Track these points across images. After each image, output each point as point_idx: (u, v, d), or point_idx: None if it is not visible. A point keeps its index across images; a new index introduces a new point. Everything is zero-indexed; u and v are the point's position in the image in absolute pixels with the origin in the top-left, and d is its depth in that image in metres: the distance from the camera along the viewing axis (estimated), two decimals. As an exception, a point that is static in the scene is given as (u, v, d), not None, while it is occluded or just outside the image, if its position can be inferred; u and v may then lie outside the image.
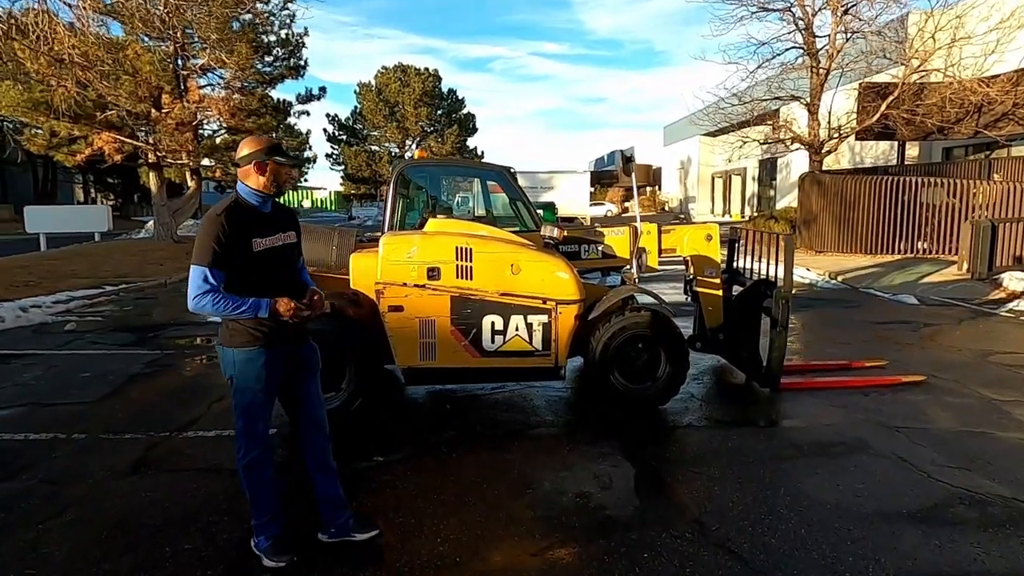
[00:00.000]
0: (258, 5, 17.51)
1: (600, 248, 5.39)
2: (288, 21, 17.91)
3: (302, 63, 18.60)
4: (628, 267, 5.13)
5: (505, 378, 5.11)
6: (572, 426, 4.67)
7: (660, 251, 5.46)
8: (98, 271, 14.10)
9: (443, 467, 3.95)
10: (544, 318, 4.70)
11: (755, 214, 29.34)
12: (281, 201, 3.01)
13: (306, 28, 22.06)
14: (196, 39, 16.72)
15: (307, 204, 76.22)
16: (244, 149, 2.77)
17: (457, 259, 4.59)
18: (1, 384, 5.81)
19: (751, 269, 5.82)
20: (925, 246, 14.31)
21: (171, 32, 15.95)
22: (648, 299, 5.07)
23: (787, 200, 29.16)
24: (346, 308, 4.74)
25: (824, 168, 18.16)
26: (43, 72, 14.13)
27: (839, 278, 12.09)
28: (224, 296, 2.63)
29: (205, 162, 18.92)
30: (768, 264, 5.50)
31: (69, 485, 3.74)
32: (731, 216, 37.21)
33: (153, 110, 16.72)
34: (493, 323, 4.69)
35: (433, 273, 4.60)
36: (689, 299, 5.75)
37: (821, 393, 5.28)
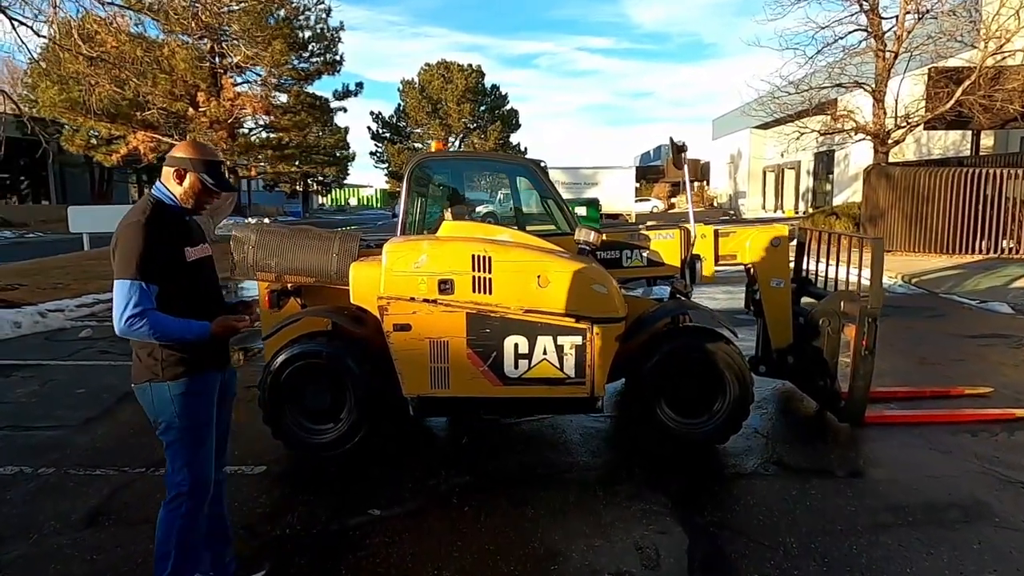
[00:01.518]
0: (293, 1, 17.17)
1: (645, 254, 4.58)
2: (323, 16, 17.49)
3: (338, 58, 18.19)
4: (678, 277, 4.32)
5: (531, 411, 4.35)
6: (610, 471, 3.88)
7: (717, 258, 4.62)
8: (133, 272, 13.91)
9: (452, 527, 3.23)
10: (577, 339, 3.93)
11: (810, 210, 27.81)
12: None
13: (341, 23, 21.74)
14: (231, 36, 16.44)
15: (353, 202, 76.91)
16: (177, 151, 2.41)
17: (473, 269, 3.86)
18: (-12, 402, 5.36)
19: (822, 276, 4.93)
20: (1010, 245, 12.93)
21: (207, 29, 15.71)
22: (704, 316, 4.25)
23: (845, 195, 27.55)
24: (346, 326, 4.07)
25: (891, 160, 16.80)
26: (82, 72, 14.01)
27: (913, 281, 10.92)
28: (161, 317, 2.24)
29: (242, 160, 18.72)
30: (843, 271, 4.61)
31: (6, 542, 3.15)
32: (784, 212, 35.56)
33: (190, 108, 16.54)
34: (516, 345, 3.94)
35: (445, 286, 3.88)
36: (751, 313, 4.88)
37: (915, 430, 4.36)
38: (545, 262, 3.91)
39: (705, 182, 49.00)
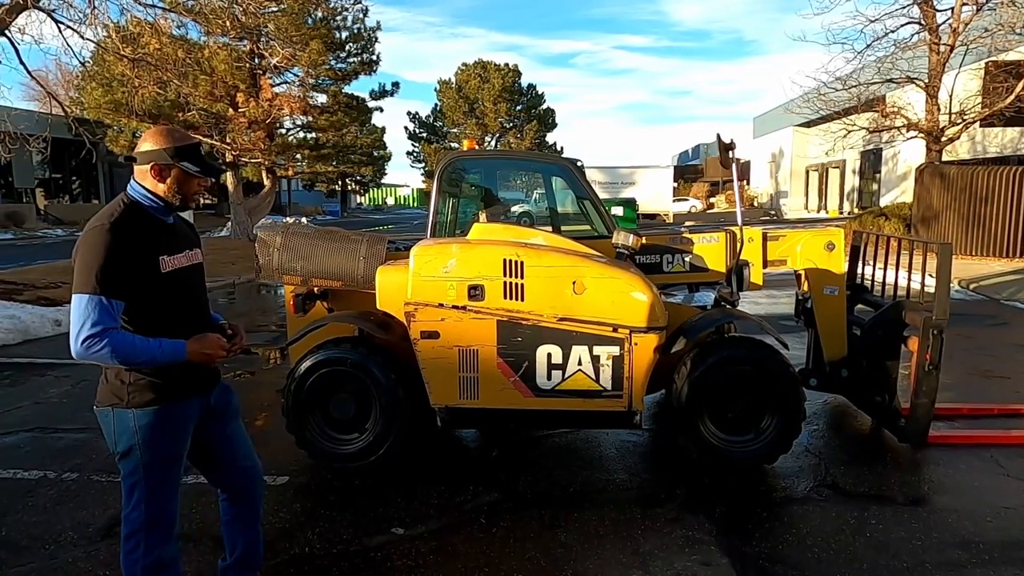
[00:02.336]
0: (330, 1, 17.22)
1: (687, 259, 4.31)
2: (360, 16, 17.51)
3: (374, 58, 18.17)
4: (724, 284, 4.04)
5: (565, 424, 4.12)
6: (649, 491, 3.63)
7: (766, 262, 4.32)
8: (172, 270, 14.10)
9: (479, 550, 3.02)
10: (614, 350, 3.69)
11: (856, 210, 26.91)
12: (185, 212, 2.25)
13: (378, 23, 21.64)
14: (270, 37, 16.57)
15: (391, 201, 77.61)
16: (145, 143, 2.08)
17: (505, 274, 3.66)
18: (21, 402, 5.37)
19: (878, 283, 4.59)
20: (1076, 248, 12.19)
21: (247, 31, 15.85)
22: (751, 325, 3.96)
23: (893, 195, 26.57)
24: (372, 332, 3.90)
25: (945, 159, 16.05)
26: (126, 74, 14.25)
27: (972, 287, 10.34)
28: (126, 338, 1.94)
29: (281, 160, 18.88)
30: (900, 278, 4.27)
31: (22, 552, 3.06)
32: (827, 212, 34.53)
33: (230, 109, 16.72)
34: (550, 355, 3.72)
35: (475, 292, 3.68)
36: (801, 322, 4.57)
37: (985, 452, 4.00)
38: (581, 267, 3.68)
39: (746, 181, 47.98)
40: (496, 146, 48.20)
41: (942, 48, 15.27)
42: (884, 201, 25.53)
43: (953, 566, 2.82)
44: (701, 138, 58.16)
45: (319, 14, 16.18)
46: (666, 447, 4.27)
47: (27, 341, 7.66)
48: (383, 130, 26.35)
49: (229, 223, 21.84)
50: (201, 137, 16.72)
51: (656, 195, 35.99)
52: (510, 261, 3.64)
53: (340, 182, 45.22)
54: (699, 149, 60.50)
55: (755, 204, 44.64)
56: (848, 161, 32.57)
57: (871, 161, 30.99)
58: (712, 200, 48.62)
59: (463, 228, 4.83)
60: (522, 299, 3.68)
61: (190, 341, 2.04)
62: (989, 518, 3.21)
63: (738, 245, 4.00)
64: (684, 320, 3.96)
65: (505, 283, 3.66)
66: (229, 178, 17.92)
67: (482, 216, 5.17)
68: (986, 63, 16.22)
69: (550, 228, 5.16)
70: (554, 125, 49.66)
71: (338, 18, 17.13)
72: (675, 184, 47.85)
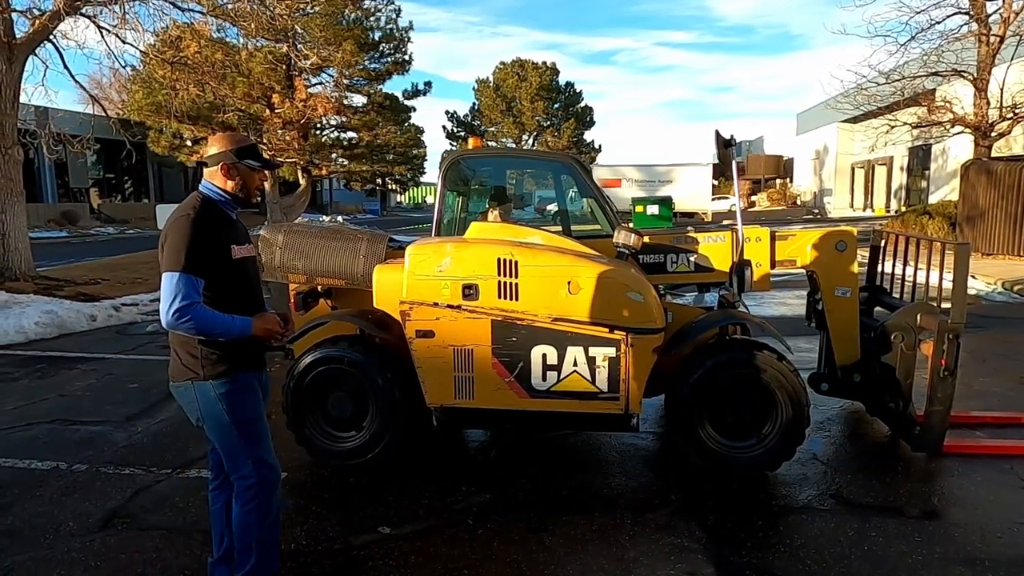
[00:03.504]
0: (365, 2, 17.42)
1: (692, 259, 4.20)
2: (393, 16, 17.66)
3: (407, 58, 18.32)
4: (727, 285, 3.92)
5: (560, 426, 4.07)
6: (644, 496, 3.55)
7: (774, 263, 4.18)
8: (209, 268, 14.46)
9: (461, 552, 3.00)
10: (611, 351, 3.62)
11: (903, 208, 25.99)
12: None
13: (411, 22, 21.74)
14: (304, 39, 16.85)
15: (430, 199, 78.24)
16: (212, 147, 2.43)
17: (499, 274, 3.62)
18: (47, 395, 5.57)
19: (903, 285, 4.40)
20: None
21: (282, 33, 16.15)
22: (753, 328, 3.85)
23: (942, 193, 25.59)
24: (370, 331, 3.92)
25: (993, 155, 15.36)
26: (168, 77, 14.68)
27: (1016, 288, 9.86)
28: (208, 311, 2.24)
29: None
30: (924, 278, 4.09)
31: (23, 540, 3.16)
32: (873, 211, 33.47)
33: (266, 110, 17.07)
34: (545, 355, 3.67)
35: (469, 291, 3.66)
36: (812, 325, 4.42)
37: (1006, 463, 3.79)
38: (576, 267, 3.62)
39: (788, 179, 46.82)
40: (534, 145, 48.14)
41: (992, 39, 14.62)
42: (933, 199, 24.62)
43: (952, 583, 2.68)
44: (743, 135, 56.99)
45: (352, 15, 16.37)
46: (668, 451, 4.18)
47: (63, 335, 7.95)
48: (419, 129, 26.47)
49: (266, 221, 22.35)
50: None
51: (694, 193, 35.42)
52: (504, 260, 3.60)
53: (380, 181, 45.86)
54: (740, 146, 59.30)
55: (798, 203, 43.52)
56: (896, 158, 31.50)
57: (920, 158, 29.91)
58: (753, 198, 47.60)
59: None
60: (516, 299, 3.64)
61: (255, 318, 2.33)
62: (999, 533, 3.04)
63: (739, 245, 3.87)
64: (688, 319, 3.87)
65: (499, 282, 3.63)
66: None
67: (491, 214, 5.16)
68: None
69: (559, 227, 5.12)
70: (592, 123, 49.34)
71: (371, 19, 17.32)
72: (715, 182, 47.02)
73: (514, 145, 46.38)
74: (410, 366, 3.84)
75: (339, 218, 35.58)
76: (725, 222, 28.91)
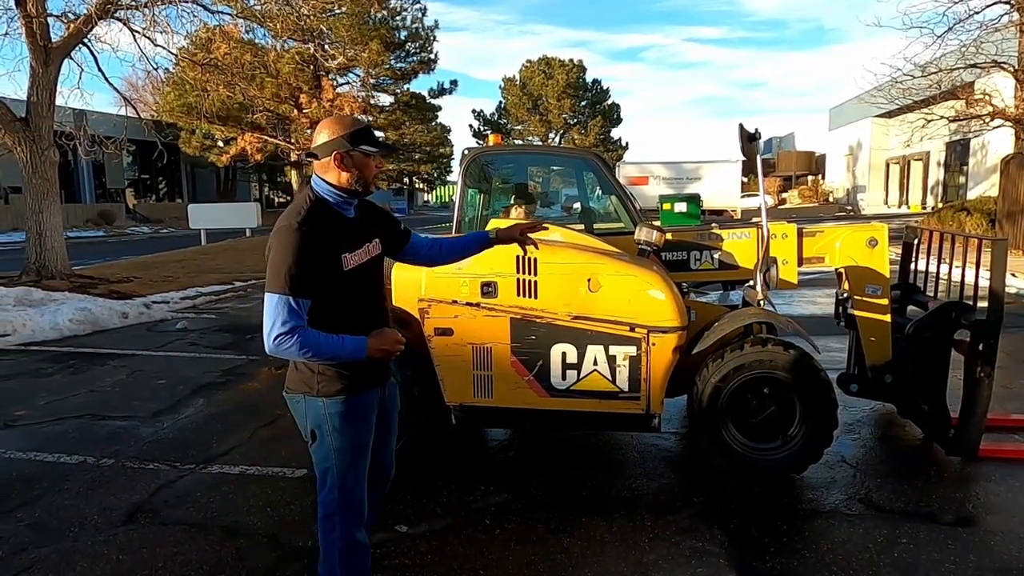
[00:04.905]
0: (391, 2, 17.51)
1: (716, 256, 4.12)
2: (419, 15, 17.73)
3: (432, 57, 18.38)
4: (752, 282, 3.83)
5: (580, 425, 4.02)
6: (665, 498, 3.49)
7: (801, 260, 4.07)
8: (239, 266, 14.68)
9: (478, 552, 2.97)
10: (631, 350, 3.56)
11: (939, 205, 25.31)
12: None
13: (436, 21, 21.79)
14: (331, 40, 17.00)
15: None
16: (321, 135, 2.10)
17: (518, 271, 3.59)
18: (78, 390, 5.69)
19: (937, 283, 4.25)
20: None
21: (311, 34, 16.33)
22: (779, 326, 3.75)
23: (982, 188, 24.84)
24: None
25: (1034, 149, 14.86)
26: (199, 79, 14.93)
27: (1059, 287, 9.50)
28: (312, 336, 1.99)
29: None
30: (961, 276, 3.94)
31: (49, 533, 3.22)
32: (909, 207, 32.66)
33: (294, 110, 17.28)
34: (564, 354, 3.63)
35: (488, 289, 3.63)
36: (843, 325, 4.29)
37: (1045, 469, 3.65)
38: (596, 264, 3.57)
39: (820, 176, 45.93)
40: (560, 142, 47.97)
41: (1034, 29, 14.13)
42: (972, 195, 23.92)
43: (987, 594, 2.57)
44: (773, 131, 56.04)
45: (378, 15, 16.47)
46: (691, 453, 4.10)
47: (96, 332, 8.12)
48: (445, 128, 26.55)
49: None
50: (267, 137, 17.37)
51: (723, 191, 34.96)
52: (523, 258, 3.56)
53: (407, 180, 46.12)
54: (771, 143, 58.35)
55: (830, 199, 42.68)
56: (932, 153, 30.69)
57: (958, 152, 29.09)
58: (784, 195, 46.79)
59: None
60: (535, 297, 3.60)
61: (370, 337, 2.06)
62: (1038, 542, 2.92)
63: (763, 242, 3.77)
64: (712, 318, 3.79)
65: (518, 280, 3.59)
66: (293, 176, 18.52)
67: (514, 211, 5.13)
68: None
69: (582, 224, 5.07)
70: (619, 120, 49.00)
71: (397, 18, 17.40)
72: (744, 179, 46.30)
73: (541, 143, 46.28)
74: (429, 364, 3.82)
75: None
76: (754, 219, 28.48)
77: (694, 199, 27.04)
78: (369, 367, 2.14)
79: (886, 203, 36.09)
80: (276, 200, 48.90)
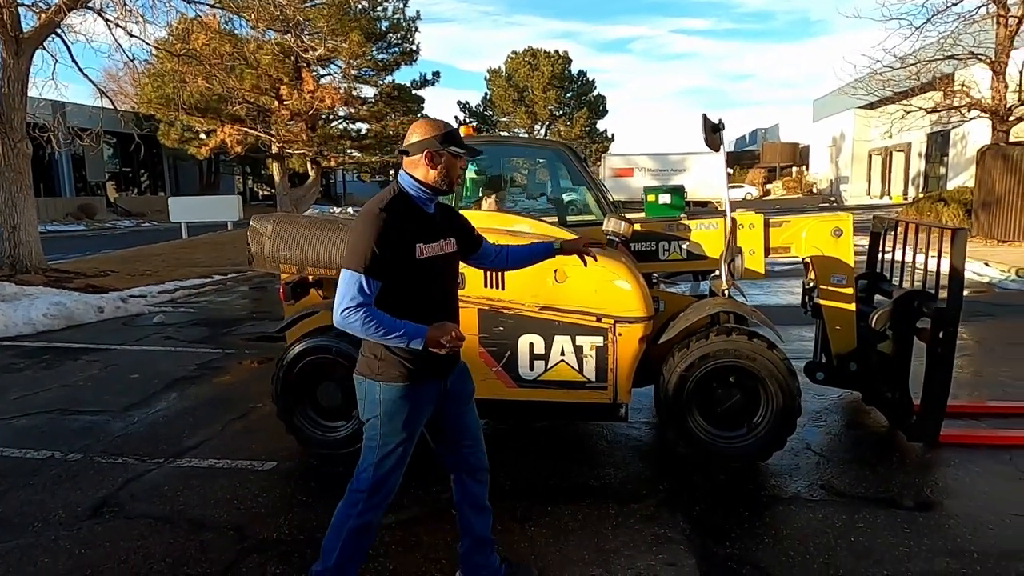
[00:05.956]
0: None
1: (685, 246, 4.14)
2: (400, 5, 17.59)
3: (414, 47, 18.25)
4: (717, 272, 3.86)
5: (549, 415, 4.04)
6: (631, 486, 3.52)
7: (768, 250, 4.11)
8: (220, 259, 14.56)
9: (443, 541, 2.99)
10: (598, 340, 3.59)
11: (920, 195, 25.56)
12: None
13: (418, 12, 21.66)
14: (312, 30, 16.84)
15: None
16: (414, 135, 2.26)
17: (485, 263, 3.58)
18: (50, 384, 5.63)
19: (902, 272, 4.30)
20: None
21: (290, 25, 16.16)
22: (743, 315, 3.78)
23: (961, 179, 25.12)
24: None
25: (1012, 140, 15.03)
26: (177, 70, 14.74)
27: (1030, 276, 9.65)
28: (376, 314, 2.11)
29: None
30: (924, 264, 3.99)
31: (12, 528, 3.19)
32: (891, 198, 32.97)
33: (275, 102, 17.11)
34: (532, 345, 3.65)
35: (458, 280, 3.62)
36: (809, 314, 4.34)
37: (1004, 454, 3.71)
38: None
39: (804, 167, 46.22)
40: (546, 134, 47.90)
41: (1011, 20, 14.27)
42: (952, 185, 24.17)
43: (938, 576, 2.62)
44: (759, 123, 56.34)
45: (359, 5, 16.33)
46: (659, 441, 4.14)
47: (71, 327, 8.03)
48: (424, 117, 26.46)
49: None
50: (247, 129, 17.19)
51: (708, 182, 35.10)
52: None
53: (393, 171, 45.92)
54: (756, 134, 58.63)
55: (814, 191, 42.98)
56: (913, 144, 30.98)
57: (938, 144, 29.38)
58: (769, 187, 47.07)
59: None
60: (503, 288, 3.61)
61: (431, 327, 2.13)
62: (991, 525, 2.97)
63: (729, 232, 3.80)
64: (681, 307, 3.82)
65: (485, 271, 3.60)
66: (275, 169, 18.37)
67: (485, 203, 5.12)
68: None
69: (556, 215, 5.07)
70: (605, 112, 48.98)
71: (378, 8, 17.26)
72: (730, 170, 46.35)
73: (527, 135, 46.18)
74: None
75: (349, 210, 35.67)
76: (738, 210, 28.58)
77: (678, 190, 27.13)
78: (430, 359, 2.23)
79: (868, 194, 36.41)
80: (261, 193, 48.44)
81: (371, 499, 2.31)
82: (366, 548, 2.40)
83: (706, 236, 4.13)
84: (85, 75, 11.71)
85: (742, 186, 45.82)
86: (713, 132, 3.52)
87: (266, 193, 44.55)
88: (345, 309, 2.09)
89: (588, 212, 4.73)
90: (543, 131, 47.71)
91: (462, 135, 4.92)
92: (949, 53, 15.08)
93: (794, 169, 47.26)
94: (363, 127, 19.58)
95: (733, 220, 3.99)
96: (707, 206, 33.51)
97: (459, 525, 2.58)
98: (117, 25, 11.20)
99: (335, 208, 36.52)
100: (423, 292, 2.24)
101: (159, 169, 41.62)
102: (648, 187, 28.63)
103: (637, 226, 4.10)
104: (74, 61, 11.37)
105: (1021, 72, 14.43)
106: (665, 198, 27.23)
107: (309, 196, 19.55)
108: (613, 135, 49.44)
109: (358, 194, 50.08)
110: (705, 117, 3.52)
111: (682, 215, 4.41)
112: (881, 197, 34.50)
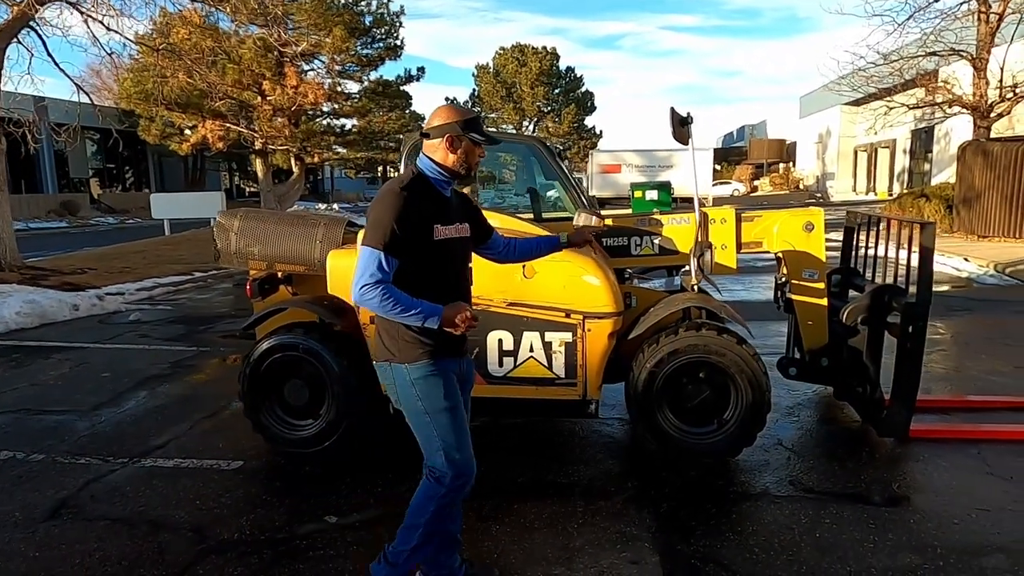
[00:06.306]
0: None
1: (656, 241, 4.11)
2: (384, 0, 17.46)
3: (399, 43, 18.12)
4: (687, 268, 3.83)
5: (518, 412, 4.00)
6: (600, 483, 3.49)
7: (740, 245, 4.09)
8: (202, 256, 14.35)
9: (405, 540, 2.94)
10: (567, 336, 3.55)
11: (905, 191, 25.72)
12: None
13: (402, 7, 21.39)
14: (295, 25, 16.68)
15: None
16: (436, 119, 2.29)
17: (453, 258, 3.53)
18: (18, 383, 5.54)
19: (874, 267, 4.30)
20: None
21: (273, 19, 15.98)
22: (714, 311, 3.76)
23: (945, 175, 25.28)
24: (327, 318, 3.85)
25: (993, 136, 15.14)
26: (157, 64, 14.55)
27: (1008, 271, 9.72)
28: (394, 292, 2.14)
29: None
30: (896, 259, 3.98)
31: (-34, 532, 3.12)
32: (876, 194, 33.16)
33: (258, 97, 16.94)
34: (500, 341, 3.61)
35: (423, 276, 3.57)
36: (782, 309, 4.33)
37: (973, 448, 3.71)
38: (531, 250, 3.53)
39: (791, 163, 46.41)
40: (534, 131, 47.86)
41: (992, 16, 14.36)
42: (936, 181, 24.34)
43: (900, 571, 2.60)
44: (746, 119, 56.52)
45: (342, 0, 16.19)
46: (630, 438, 4.11)
47: (43, 325, 7.91)
48: (419, 116, 26.29)
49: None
50: (229, 125, 17.01)
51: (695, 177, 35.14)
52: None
53: (381, 169, 45.70)
54: (743, 131, 58.84)
55: (801, 187, 43.18)
56: (898, 140, 31.16)
57: (923, 140, 29.56)
58: (756, 183, 47.27)
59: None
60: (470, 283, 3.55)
61: (447, 307, 2.15)
62: (956, 520, 2.97)
63: (699, 227, 3.78)
64: (653, 302, 3.79)
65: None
66: (259, 165, 18.21)
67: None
68: (1044, 32, 15.15)
69: (530, 211, 5.03)
70: (593, 108, 48.98)
71: (361, 3, 17.12)
72: (718, 167, 46.53)
73: (514, 131, 46.11)
74: (367, 353, 3.77)
75: (334, 206, 35.50)
76: (656, 210, 28.62)
77: (665, 187, 27.14)
78: (445, 338, 2.24)
79: (854, 190, 36.62)
80: (248, 190, 48.09)
81: (455, 479, 2.27)
82: (454, 528, 2.41)
83: (678, 231, 4.10)
84: (61, 69, 11.44)
85: (729, 182, 45.97)
86: (681, 125, 3.49)
87: (253, 189, 44.18)
88: (364, 286, 2.11)
89: (562, 207, 4.69)
90: (531, 127, 47.65)
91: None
92: (931, 50, 15.15)
93: (781, 165, 47.49)
94: (347, 123, 19.44)
95: (704, 215, 3.97)
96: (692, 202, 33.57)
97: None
98: (92, 18, 11.04)
99: (320, 205, 36.29)
100: (439, 272, 2.27)
101: (144, 166, 41.19)
102: (635, 183, 28.73)
103: (609, 221, 4.07)
104: (50, 55, 11.20)
105: (1002, 68, 14.53)
106: (652, 194, 27.33)
107: (293, 192, 19.40)
108: (601, 131, 49.49)
109: (346, 190, 49.85)
110: (673, 110, 3.48)
111: (655, 211, 4.37)
112: (867, 193, 34.70)
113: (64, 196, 32.75)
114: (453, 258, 2.33)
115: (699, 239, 3.70)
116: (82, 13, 10.98)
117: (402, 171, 4.59)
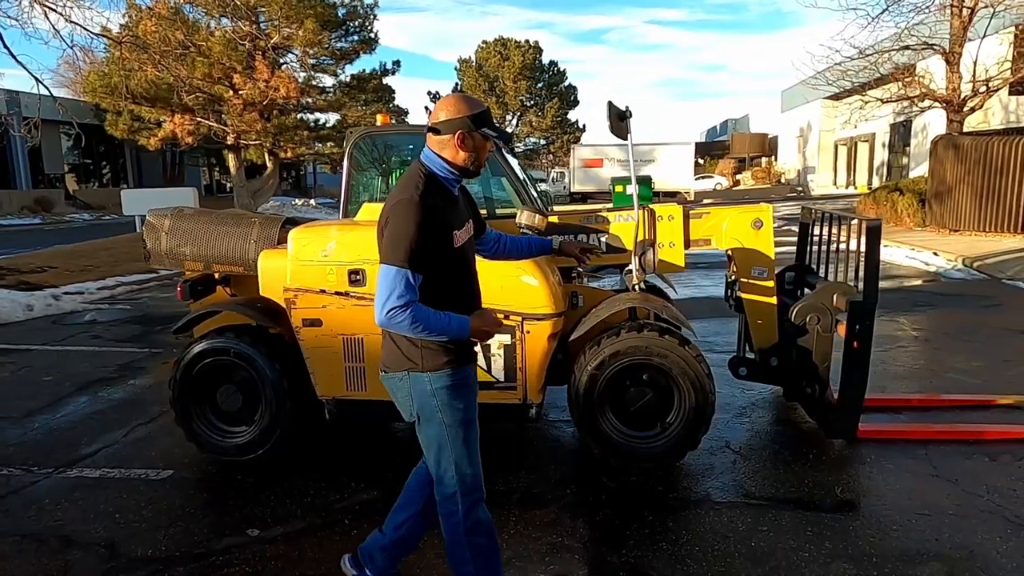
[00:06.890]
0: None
1: (603, 239, 4.00)
2: (358, -8, 17.20)
3: (373, 36, 17.87)
4: (629, 267, 3.72)
5: (457, 417, 3.87)
6: (537, 490, 3.38)
7: (688, 242, 3.98)
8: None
9: (324, 557, 2.81)
10: (506, 338, 3.44)
11: (881, 185, 25.85)
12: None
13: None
14: (267, 18, 16.39)
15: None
16: (443, 112, 2.09)
17: (386, 258, 3.40)
18: (-46, 389, 5.33)
19: (827, 264, 4.22)
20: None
21: (244, 11, 15.70)
22: (657, 311, 3.65)
23: (923, 168, 25.38)
24: (260, 321, 3.70)
25: (967, 130, 15.18)
26: (124, 57, 14.22)
27: (975, 265, 9.73)
28: (423, 311, 1.99)
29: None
30: (847, 257, 3.90)
31: None
32: (856, 188, 33.33)
33: (229, 91, 16.63)
34: (437, 344, 3.47)
35: (356, 277, 3.45)
36: (733, 307, 4.24)
37: (921, 449, 3.64)
38: (467, 250, 3.41)
39: (773, 157, 46.57)
40: (517, 125, 47.68)
41: (965, 11, 14.37)
42: (913, 175, 24.47)
43: (831, 581, 2.52)
44: (730, 113, 56.62)
45: (315, -8, 15.93)
46: (573, 443, 4.01)
47: (-6, 326, 7.68)
48: (402, 111, 26.05)
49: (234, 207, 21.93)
50: (200, 119, 16.70)
51: (676, 172, 35.26)
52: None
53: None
54: (727, 125, 58.98)
55: (782, 181, 43.35)
56: (877, 134, 31.32)
57: (901, 134, 29.72)
58: (739, 177, 47.39)
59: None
60: (405, 284, 3.42)
61: (472, 317, 2.08)
62: (896, 526, 2.88)
63: (639, 225, 3.67)
64: (598, 302, 3.68)
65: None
66: (231, 160, 17.91)
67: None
68: (1016, 27, 15.24)
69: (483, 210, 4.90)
70: (576, 102, 48.84)
71: (334, -6, 16.85)
72: (700, 161, 46.62)
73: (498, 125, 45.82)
74: (300, 357, 3.64)
75: (311, 202, 35.17)
76: (705, 201, 28.77)
77: (645, 181, 27.14)
78: (465, 344, 2.15)
79: (835, 184, 36.81)
80: (228, 185, 47.50)
81: (467, 496, 2.16)
82: (492, 544, 2.26)
83: (625, 228, 3.98)
84: (18, 61, 11.12)
85: (712, 176, 46.08)
86: (620, 120, 3.37)
87: (232, 185, 43.63)
88: (392, 309, 1.94)
89: (510, 204, 4.56)
90: (514, 121, 47.48)
91: (378, 122, 4.76)
92: (904, 44, 15.15)
93: (763, 160, 47.65)
94: (321, 117, 19.18)
95: (651, 211, 3.86)
96: (675, 196, 33.62)
97: (394, 516, 2.43)
98: (51, 9, 10.74)
99: (297, 200, 35.92)
100: (460, 281, 2.16)
101: (121, 161, 40.52)
102: (616, 177, 28.69)
103: (553, 218, 3.94)
104: (6, 47, 10.88)
105: (975, 62, 14.56)
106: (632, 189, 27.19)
107: (267, 188, 19.12)
108: (585, 126, 49.42)
109: (328, 186, 49.39)
110: (611, 104, 3.36)
111: (602, 207, 4.25)
112: (847, 187, 34.89)
113: (38, 192, 32.12)
114: (469, 264, 2.23)
115: (640, 237, 3.59)
116: (41, 4, 10.69)
117: (344, 168, 4.47)
